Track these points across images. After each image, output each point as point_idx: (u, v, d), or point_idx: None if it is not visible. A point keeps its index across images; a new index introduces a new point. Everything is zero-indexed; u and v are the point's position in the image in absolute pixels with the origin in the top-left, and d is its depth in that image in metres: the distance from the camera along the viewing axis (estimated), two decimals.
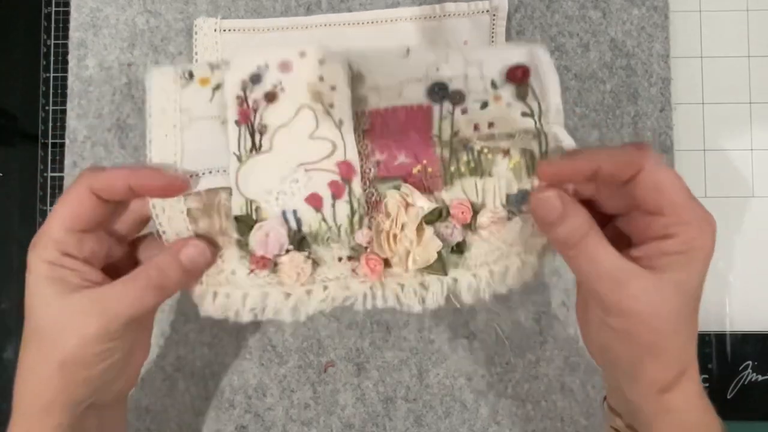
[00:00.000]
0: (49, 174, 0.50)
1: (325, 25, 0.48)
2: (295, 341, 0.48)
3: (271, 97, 0.35)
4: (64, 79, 0.50)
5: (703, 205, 0.30)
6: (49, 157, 0.50)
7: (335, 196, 0.35)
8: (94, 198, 0.32)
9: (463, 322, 0.48)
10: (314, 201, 0.35)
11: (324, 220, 0.35)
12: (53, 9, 0.51)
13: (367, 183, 0.35)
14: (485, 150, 0.35)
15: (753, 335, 0.49)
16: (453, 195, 0.35)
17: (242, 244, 0.34)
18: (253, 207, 0.34)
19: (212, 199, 0.35)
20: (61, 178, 0.49)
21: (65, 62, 0.49)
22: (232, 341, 0.48)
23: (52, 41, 0.51)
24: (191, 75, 0.36)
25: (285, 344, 0.48)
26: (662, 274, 0.30)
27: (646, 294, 0.30)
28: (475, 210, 0.35)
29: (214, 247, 0.35)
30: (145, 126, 0.35)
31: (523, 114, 0.35)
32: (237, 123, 0.35)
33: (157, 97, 0.35)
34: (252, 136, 0.35)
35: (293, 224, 0.35)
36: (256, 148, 0.35)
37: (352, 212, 0.35)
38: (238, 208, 0.34)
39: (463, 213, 0.35)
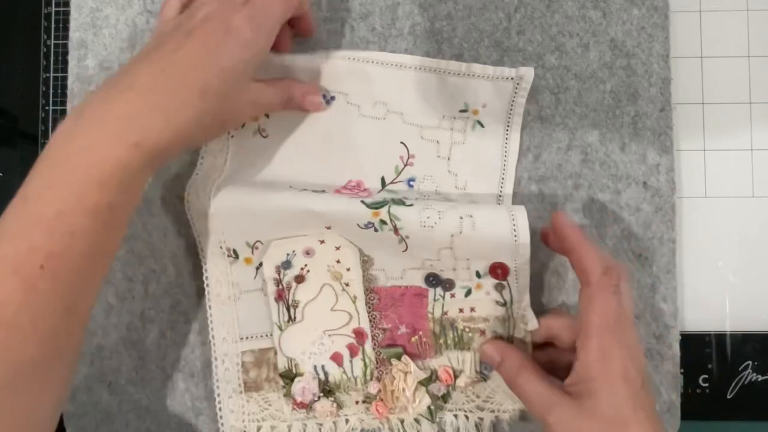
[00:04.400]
0: None
1: (348, 59, 0.46)
2: None
3: (300, 279, 0.45)
4: (64, 79, 0.50)
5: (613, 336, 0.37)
6: None
7: (352, 355, 0.45)
8: None
9: None
10: (336, 358, 0.45)
11: (344, 372, 0.45)
12: (53, 9, 0.51)
13: (377, 345, 0.45)
14: (466, 329, 0.45)
15: (753, 335, 0.49)
16: (440, 362, 0.46)
17: (287, 392, 0.45)
18: (293, 363, 0.45)
19: (263, 355, 0.46)
20: None
21: (65, 62, 0.50)
22: None
23: (52, 41, 0.51)
24: (236, 254, 0.45)
25: None
26: (580, 400, 0.37)
27: (563, 421, 0.37)
28: (456, 375, 0.45)
29: None
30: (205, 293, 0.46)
31: (498, 303, 0.45)
32: (276, 300, 0.45)
33: (212, 270, 0.46)
34: (288, 310, 0.45)
35: (322, 376, 0.45)
36: (291, 319, 0.45)
37: (365, 367, 0.45)
38: (282, 365, 0.45)
39: (446, 378, 0.45)
